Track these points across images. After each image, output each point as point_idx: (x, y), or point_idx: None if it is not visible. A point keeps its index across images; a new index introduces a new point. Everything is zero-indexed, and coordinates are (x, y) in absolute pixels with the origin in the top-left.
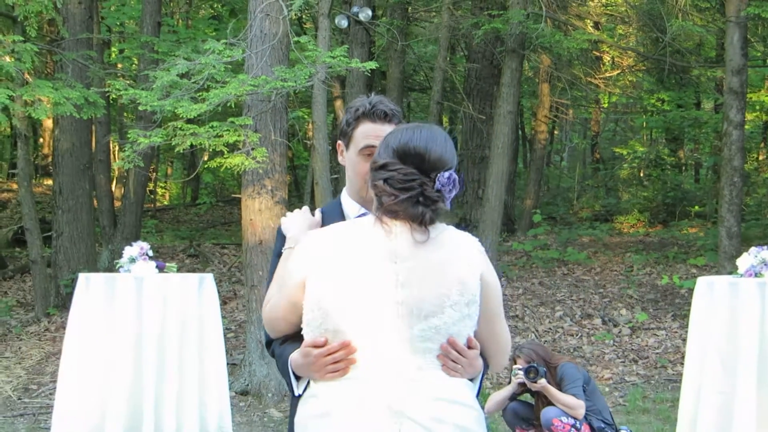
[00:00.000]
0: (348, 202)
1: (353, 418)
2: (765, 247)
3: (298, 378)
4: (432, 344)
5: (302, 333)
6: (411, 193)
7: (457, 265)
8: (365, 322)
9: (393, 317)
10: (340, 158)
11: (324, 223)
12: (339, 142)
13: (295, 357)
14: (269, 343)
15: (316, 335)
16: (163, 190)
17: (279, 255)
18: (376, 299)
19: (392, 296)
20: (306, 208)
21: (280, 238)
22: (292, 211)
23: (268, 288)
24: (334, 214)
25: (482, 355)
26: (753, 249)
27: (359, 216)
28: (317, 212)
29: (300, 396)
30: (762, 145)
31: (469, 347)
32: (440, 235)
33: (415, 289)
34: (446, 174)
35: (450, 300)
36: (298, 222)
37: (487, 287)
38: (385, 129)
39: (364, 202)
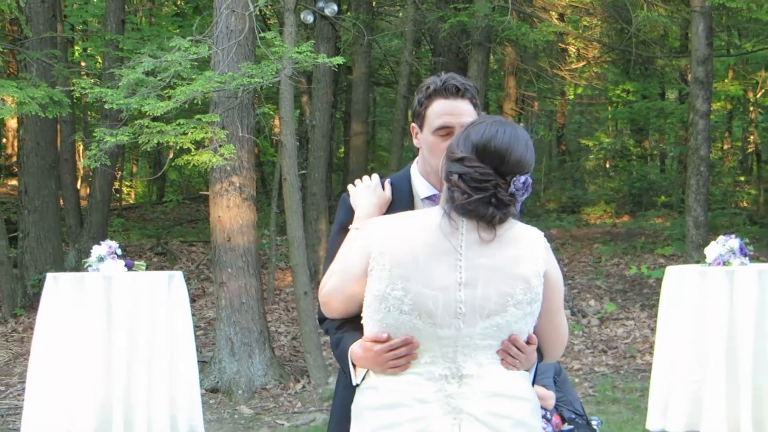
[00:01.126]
0: (419, 180)
1: (413, 414)
2: (732, 235)
3: (355, 366)
4: (493, 341)
5: (362, 322)
6: (484, 194)
7: (522, 263)
8: (427, 319)
9: (455, 315)
10: (414, 141)
11: (392, 196)
12: (413, 124)
13: (355, 349)
14: (323, 320)
15: (377, 329)
16: (129, 189)
17: (341, 226)
18: (438, 297)
19: (455, 295)
20: (376, 178)
21: (344, 207)
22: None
23: (328, 265)
24: (403, 189)
25: (538, 346)
26: (721, 238)
27: (428, 197)
28: (387, 185)
29: (357, 385)
30: (727, 134)
31: (529, 343)
32: (507, 232)
33: (479, 289)
34: (522, 178)
35: (514, 299)
36: (367, 197)
37: (550, 283)
38: (459, 105)
39: (437, 182)
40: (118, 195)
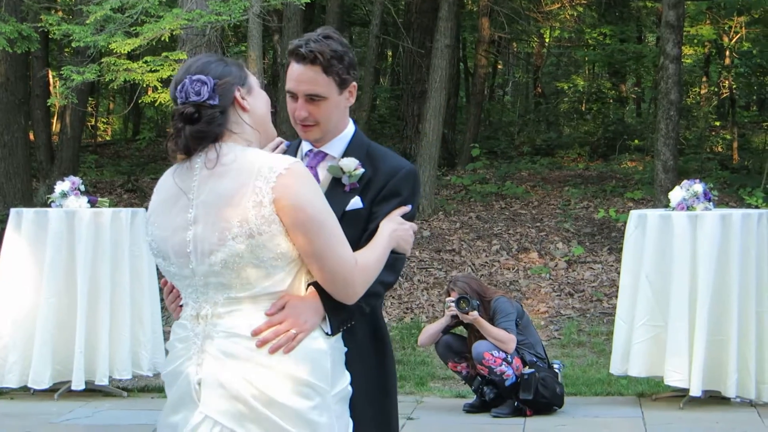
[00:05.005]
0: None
1: (176, 353)
2: (697, 180)
3: None
4: (224, 279)
5: None
6: (175, 122)
7: (240, 195)
8: (169, 261)
9: (185, 255)
10: None
11: (288, 154)
12: None
13: None
14: None
15: None
16: (105, 126)
17: None
18: (171, 238)
19: (185, 235)
20: (279, 140)
21: None
22: None
23: None
24: (294, 147)
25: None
26: (685, 182)
27: (308, 151)
28: (282, 146)
29: None
30: (704, 79)
31: (282, 306)
32: (234, 162)
33: (200, 226)
34: (178, 86)
35: (231, 233)
36: None
37: (290, 215)
38: (305, 71)
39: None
40: (93, 131)
